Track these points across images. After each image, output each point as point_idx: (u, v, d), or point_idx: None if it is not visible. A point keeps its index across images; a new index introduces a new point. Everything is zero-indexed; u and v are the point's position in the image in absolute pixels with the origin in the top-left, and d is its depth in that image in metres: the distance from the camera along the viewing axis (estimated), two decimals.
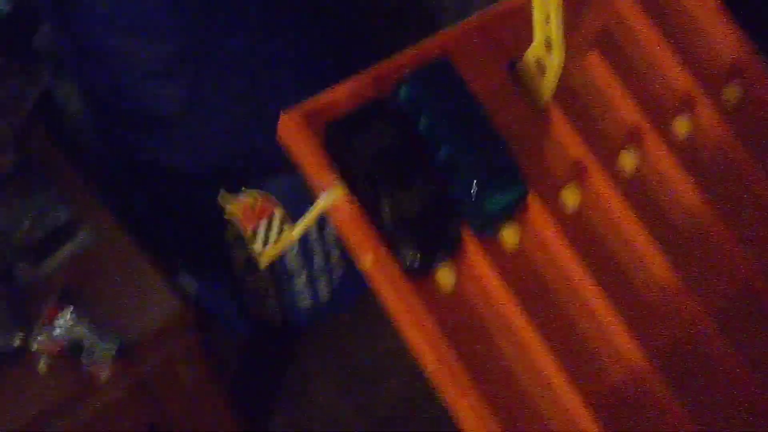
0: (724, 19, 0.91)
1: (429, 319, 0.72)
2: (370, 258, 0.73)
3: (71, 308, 1.15)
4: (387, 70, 0.78)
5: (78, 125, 1.53)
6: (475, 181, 0.74)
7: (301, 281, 1.57)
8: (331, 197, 0.72)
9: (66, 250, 1.23)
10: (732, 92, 0.89)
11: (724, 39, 0.91)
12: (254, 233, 0.70)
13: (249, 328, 1.67)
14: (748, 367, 0.80)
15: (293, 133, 0.73)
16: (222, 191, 0.71)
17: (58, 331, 1.14)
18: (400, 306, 0.72)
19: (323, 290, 1.60)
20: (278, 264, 1.53)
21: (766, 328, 0.84)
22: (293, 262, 1.54)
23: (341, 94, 0.76)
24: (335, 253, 1.56)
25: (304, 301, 1.60)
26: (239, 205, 0.70)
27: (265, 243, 0.71)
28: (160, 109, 1.35)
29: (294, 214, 1.44)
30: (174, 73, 1.30)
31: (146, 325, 1.20)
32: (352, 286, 1.61)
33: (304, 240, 1.51)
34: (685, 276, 0.81)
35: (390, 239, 0.73)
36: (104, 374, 1.15)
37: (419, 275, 0.74)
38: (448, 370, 0.71)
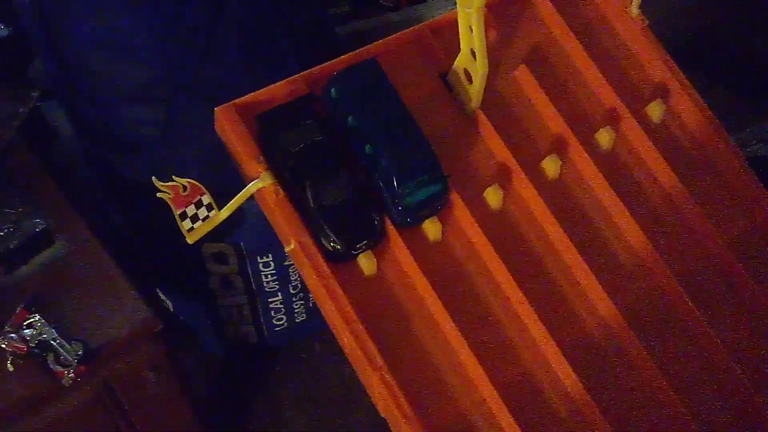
0: (650, 42, 0.96)
1: (346, 301, 0.76)
2: (293, 243, 0.78)
3: (40, 312, 1.20)
4: (321, 74, 0.84)
5: (66, 147, 1.60)
6: (395, 175, 0.79)
7: (277, 301, 1.60)
8: (258, 185, 0.77)
9: (41, 258, 1.29)
10: (655, 110, 0.94)
11: (649, 60, 0.96)
12: (184, 214, 0.75)
13: (224, 348, 1.70)
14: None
15: (226, 124, 0.79)
16: (153, 177, 0.76)
17: (27, 331, 1.19)
18: (319, 287, 0.77)
19: (299, 311, 1.64)
20: (254, 283, 1.57)
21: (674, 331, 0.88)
22: (270, 283, 1.58)
23: (276, 93, 0.82)
24: None
25: (280, 320, 1.64)
26: (170, 189, 0.75)
27: (194, 222, 0.76)
28: (139, 132, 1.40)
29: (265, 237, 1.49)
30: (153, 97, 1.36)
31: (114, 332, 1.24)
32: None
33: (281, 262, 1.55)
34: (598, 274, 0.85)
35: (313, 226, 0.78)
36: (68, 377, 1.19)
37: (340, 260, 0.79)
38: (362, 348, 0.75)
